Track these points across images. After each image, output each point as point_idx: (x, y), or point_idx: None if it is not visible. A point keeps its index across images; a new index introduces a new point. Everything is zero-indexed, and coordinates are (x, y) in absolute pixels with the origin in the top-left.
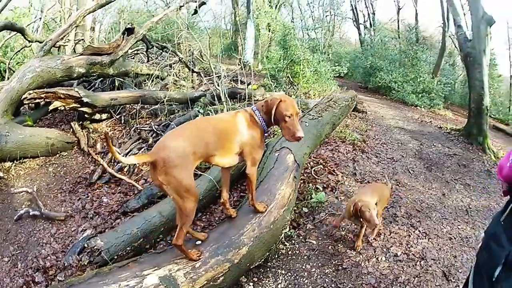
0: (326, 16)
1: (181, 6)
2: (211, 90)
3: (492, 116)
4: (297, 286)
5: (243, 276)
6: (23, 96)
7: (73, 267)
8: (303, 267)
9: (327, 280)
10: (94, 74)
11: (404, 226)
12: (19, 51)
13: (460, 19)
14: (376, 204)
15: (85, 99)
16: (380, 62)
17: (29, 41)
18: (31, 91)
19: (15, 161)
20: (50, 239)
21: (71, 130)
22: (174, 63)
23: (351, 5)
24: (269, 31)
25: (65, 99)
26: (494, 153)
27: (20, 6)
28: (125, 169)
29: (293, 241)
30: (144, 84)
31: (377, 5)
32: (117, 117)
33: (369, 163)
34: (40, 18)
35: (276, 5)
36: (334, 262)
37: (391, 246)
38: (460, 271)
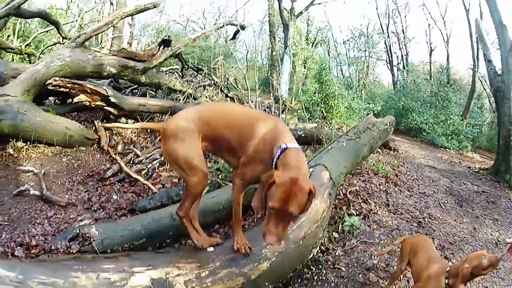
0: (361, 57)
1: (221, 27)
2: None
3: None
4: None
5: None
6: (48, 81)
7: (59, 252)
8: None
9: None
10: (125, 78)
11: None
12: (51, 45)
13: (490, 53)
14: None
15: (112, 99)
16: (412, 103)
17: (63, 38)
18: (57, 78)
19: (28, 143)
20: (44, 221)
21: (94, 128)
22: (208, 85)
23: (386, 45)
24: (304, 67)
25: (91, 95)
26: None
27: (58, 6)
28: (143, 172)
29: (320, 266)
30: (177, 100)
31: (410, 46)
32: None
33: (401, 196)
34: (76, 20)
35: (313, 43)
36: None
37: None
38: None
